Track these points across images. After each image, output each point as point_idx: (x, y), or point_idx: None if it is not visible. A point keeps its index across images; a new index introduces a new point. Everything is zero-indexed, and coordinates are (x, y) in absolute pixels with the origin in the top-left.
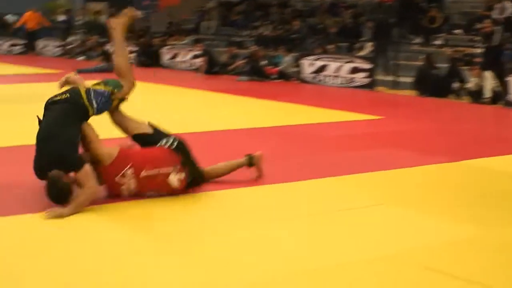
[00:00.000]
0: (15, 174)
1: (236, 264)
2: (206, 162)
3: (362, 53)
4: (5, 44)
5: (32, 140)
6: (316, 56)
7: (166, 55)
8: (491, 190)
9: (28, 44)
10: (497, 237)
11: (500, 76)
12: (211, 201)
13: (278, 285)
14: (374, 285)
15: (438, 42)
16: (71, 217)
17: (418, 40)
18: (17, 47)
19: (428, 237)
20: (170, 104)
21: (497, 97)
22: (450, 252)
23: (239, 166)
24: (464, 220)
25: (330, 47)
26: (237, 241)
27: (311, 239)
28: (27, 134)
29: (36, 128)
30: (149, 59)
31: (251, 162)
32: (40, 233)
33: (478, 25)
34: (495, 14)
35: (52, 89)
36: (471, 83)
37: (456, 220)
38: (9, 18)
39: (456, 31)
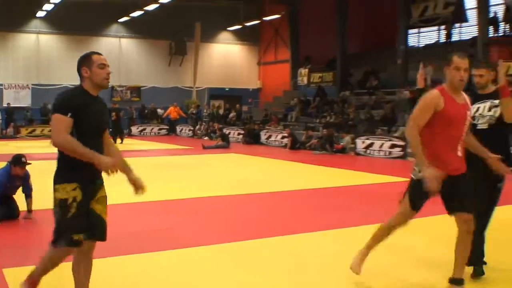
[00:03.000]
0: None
1: None
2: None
3: (397, 134)
4: (155, 128)
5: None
6: (367, 136)
7: (263, 136)
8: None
9: (170, 129)
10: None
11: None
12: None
13: None
14: None
15: None
16: None
17: None
18: (163, 130)
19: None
20: (265, 170)
21: None
22: None
23: None
24: None
25: (376, 130)
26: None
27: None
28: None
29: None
30: (251, 139)
31: None
32: None
33: None
34: None
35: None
36: None
37: None
38: (159, 110)
39: None
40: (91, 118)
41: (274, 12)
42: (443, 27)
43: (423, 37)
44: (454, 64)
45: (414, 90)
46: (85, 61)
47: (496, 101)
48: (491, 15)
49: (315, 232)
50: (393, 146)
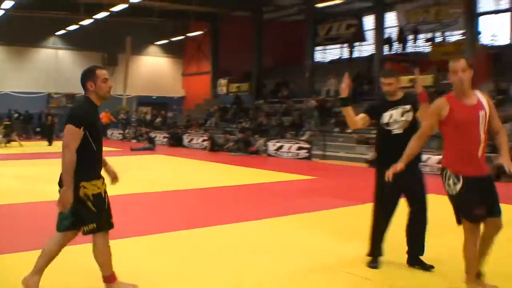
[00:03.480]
0: None
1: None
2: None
3: (304, 138)
4: None
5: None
6: (277, 139)
7: (186, 139)
8: None
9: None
10: (393, 252)
11: None
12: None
13: None
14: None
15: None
16: None
17: (337, 129)
18: None
19: (348, 252)
20: (186, 169)
21: None
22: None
23: None
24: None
25: (286, 134)
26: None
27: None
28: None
29: None
30: (175, 141)
31: None
32: None
33: None
34: None
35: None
36: (369, 156)
37: (366, 241)
38: None
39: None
40: (99, 128)
41: (197, 29)
42: (345, 45)
43: (328, 53)
44: (450, 69)
45: (338, 99)
46: (90, 76)
47: (407, 107)
48: (386, 35)
49: (234, 224)
50: (300, 148)
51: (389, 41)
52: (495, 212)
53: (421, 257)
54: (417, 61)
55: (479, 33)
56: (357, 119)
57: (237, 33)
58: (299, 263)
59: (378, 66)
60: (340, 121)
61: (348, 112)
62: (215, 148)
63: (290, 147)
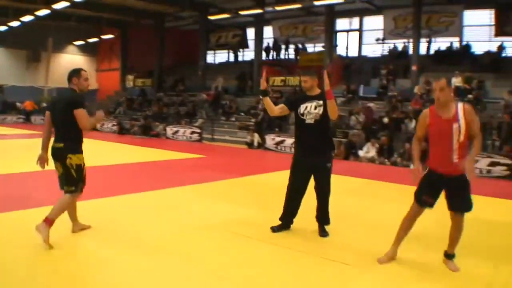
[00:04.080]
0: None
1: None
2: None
3: (196, 124)
4: (14, 118)
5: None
6: (174, 125)
7: (98, 124)
8: (260, 189)
9: (26, 118)
10: (267, 215)
11: (261, 135)
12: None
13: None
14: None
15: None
16: None
17: (223, 118)
18: (20, 119)
19: (231, 215)
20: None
21: (260, 146)
22: (245, 223)
23: None
24: (250, 206)
25: (181, 121)
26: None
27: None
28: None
29: None
30: None
31: None
32: None
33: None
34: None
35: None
36: (248, 139)
37: (246, 206)
38: (18, 104)
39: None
40: None
41: (109, 32)
42: (232, 51)
43: (218, 56)
44: (433, 87)
45: (258, 92)
46: (76, 75)
47: (320, 102)
48: (265, 44)
49: (143, 192)
50: (192, 132)
51: (267, 49)
52: (454, 207)
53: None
54: (287, 66)
55: (336, 46)
56: (276, 108)
57: (143, 37)
58: (191, 223)
59: (257, 68)
60: (226, 111)
61: (267, 101)
62: (123, 131)
63: (184, 132)
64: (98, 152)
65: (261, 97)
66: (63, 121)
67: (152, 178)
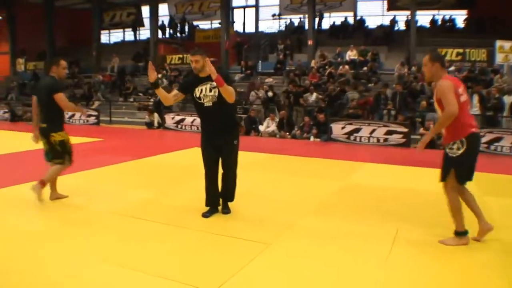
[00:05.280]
0: None
1: None
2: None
3: (93, 107)
4: None
5: None
6: None
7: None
8: (160, 170)
9: None
10: (169, 197)
11: (161, 114)
12: None
13: None
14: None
15: (131, 99)
16: None
17: (121, 99)
18: None
19: (132, 199)
20: None
21: (160, 126)
22: (146, 206)
23: None
24: (150, 188)
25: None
26: None
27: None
28: None
29: None
30: None
31: None
32: None
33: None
34: None
35: None
36: (147, 119)
37: (147, 189)
38: None
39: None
40: None
41: None
42: (128, 29)
43: (113, 36)
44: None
45: (150, 84)
46: (55, 63)
47: (214, 83)
48: (160, 23)
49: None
50: (89, 115)
51: (163, 27)
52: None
53: (229, 203)
54: (184, 44)
55: (233, 22)
56: (170, 96)
57: (32, 18)
58: (88, 210)
59: (154, 47)
60: (123, 93)
61: (160, 92)
62: (15, 119)
63: (80, 115)
64: None
65: (153, 89)
66: (46, 104)
67: (43, 166)
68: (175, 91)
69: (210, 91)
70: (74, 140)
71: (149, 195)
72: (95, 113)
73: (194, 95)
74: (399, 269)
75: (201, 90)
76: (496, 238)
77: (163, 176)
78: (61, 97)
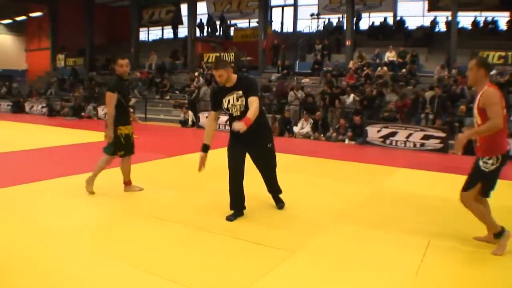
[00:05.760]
0: None
1: None
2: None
3: (130, 103)
4: None
5: None
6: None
7: (28, 106)
8: (190, 169)
9: None
10: (195, 197)
11: (195, 112)
12: None
13: None
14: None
15: (167, 97)
16: None
17: (158, 96)
18: None
19: (158, 198)
20: (27, 132)
21: (194, 124)
22: (171, 207)
23: None
24: (177, 188)
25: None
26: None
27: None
28: None
29: None
30: (18, 109)
31: None
32: None
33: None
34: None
35: None
36: (181, 117)
37: (174, 188)
38: None
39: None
40: None
41: (37, 10)
42: (168, 27)
43: (151, 33)
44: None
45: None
46: (115, 62)
47: (240, 92)
48: (198, 21)
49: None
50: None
51: (201, 25)
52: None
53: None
54: (222, 42)
55: (271, 21)
56: (212, 124)
57: (73, 15)
58: (122, 207)
59: (191, 45)
60: (160, 90)
61: (209, 140)
62: (53, 113)
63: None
64: (24, 135)
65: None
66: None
67: (80, 161)
68: (211, 115)
69: (237, 100)
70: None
71: (175, 195)
72: (130, 110)
73: (223, 106)
74: (430, 280)
75: (228, 100)
76: None
77: (192, 176)
78: (107, 96)
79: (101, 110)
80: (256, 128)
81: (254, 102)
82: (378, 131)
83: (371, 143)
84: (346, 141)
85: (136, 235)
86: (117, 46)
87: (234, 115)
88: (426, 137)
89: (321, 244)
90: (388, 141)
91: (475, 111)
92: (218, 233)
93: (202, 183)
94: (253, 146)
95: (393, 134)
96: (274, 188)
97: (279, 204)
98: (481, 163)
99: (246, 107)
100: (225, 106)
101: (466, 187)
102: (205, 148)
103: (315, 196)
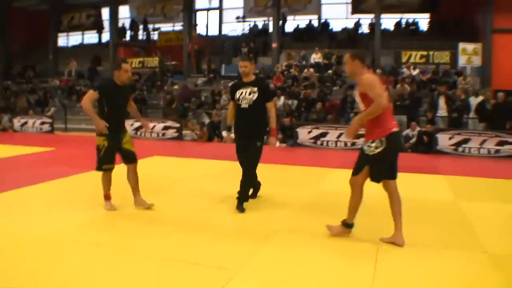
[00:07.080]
0: None
1: None
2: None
3: (48, 114)
4: None
5: None
6: (22, 116)
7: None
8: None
9: None
10: (118, 216)
11: None
12: None
13: None
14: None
15: None
16: None
17: (79, 104)
18: None
19: (75, 219)
20: None
21: None
22: (93, 228)
23: None
24: (97, 206)
25: (30, 110)
26: None
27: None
28: None
29: None
30: None
31: None
32: None
33: None
34: None
35: None
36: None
37: (93, 206)
38: None
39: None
40: None
41: None
42: (89, 32)
43: (71, 39)
44: None
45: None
46: (117, 68)
47: (255, 88)
48: (121, 25)
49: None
50: (43, 123)
51: (123, 30)
52: None
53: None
54: (146, 47)
55: (196, 25)
56: (232, 112)
57: None
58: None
59: (113, 50)
60: (80, 98)
61: (231, 119)
62: None
63: (34, 122)
64: None
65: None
66: None
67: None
68: (231, 104)
69: (249, 94)
70: (22, 150)
71: (90, 214)
72: (49, 120)
73: (235, 97)
74: (389, 284)
75: (242, 92)
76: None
77: (117, 189)
78: (87, 92)
79: (17, 122)
80: (256, 123)
81: (272, 108)
82: (309, 132)
83: (302, 144)
84: (277, 144)
85: (38, 260)
86: (35, 52)
87: (242, 106)
88: (357, 136)
89: (266, 258)
90: (319, 142)
91: (358, 99)
92: (149, 255)
93: (125, 197)
94: (248, 141)
95: (324, 134)
96: (247, 183)
97: (254, 198)
98: (365, 147)
99: (254, 103)
100: (237, 97)
101: (354, 172)
102: (229, 128)
103: (253, 205)
